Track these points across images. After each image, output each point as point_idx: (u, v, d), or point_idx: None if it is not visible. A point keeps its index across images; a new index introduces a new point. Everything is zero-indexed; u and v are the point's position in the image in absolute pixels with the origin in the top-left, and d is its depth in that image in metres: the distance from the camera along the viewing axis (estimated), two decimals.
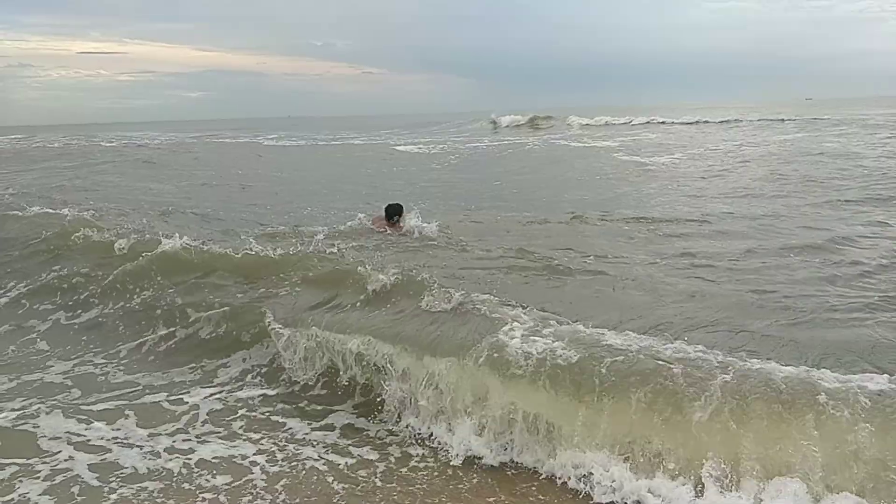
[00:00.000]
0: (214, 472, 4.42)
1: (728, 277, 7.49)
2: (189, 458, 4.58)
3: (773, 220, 10.85)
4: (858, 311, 6.17)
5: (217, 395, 5.65)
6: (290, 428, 5.08)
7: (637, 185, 17.00)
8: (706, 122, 46.92)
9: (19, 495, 4.13)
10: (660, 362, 4.33)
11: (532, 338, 4.83)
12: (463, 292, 5.92)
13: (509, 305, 5.72)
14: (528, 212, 12.32)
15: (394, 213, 9.93)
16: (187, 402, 5.50)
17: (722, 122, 46.02)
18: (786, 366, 4.28)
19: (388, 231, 9.83)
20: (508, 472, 4.39)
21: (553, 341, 4.72)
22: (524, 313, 5.45)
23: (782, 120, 44.58)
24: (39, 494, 4.16)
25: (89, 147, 38.35)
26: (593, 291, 7.19)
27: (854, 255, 8.23)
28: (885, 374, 4.14)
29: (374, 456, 4.63)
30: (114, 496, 4.14)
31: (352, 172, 23.79)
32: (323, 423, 5.19)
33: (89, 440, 4.83)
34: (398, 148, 34.95)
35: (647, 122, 48.85)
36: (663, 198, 14.35)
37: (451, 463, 4.49)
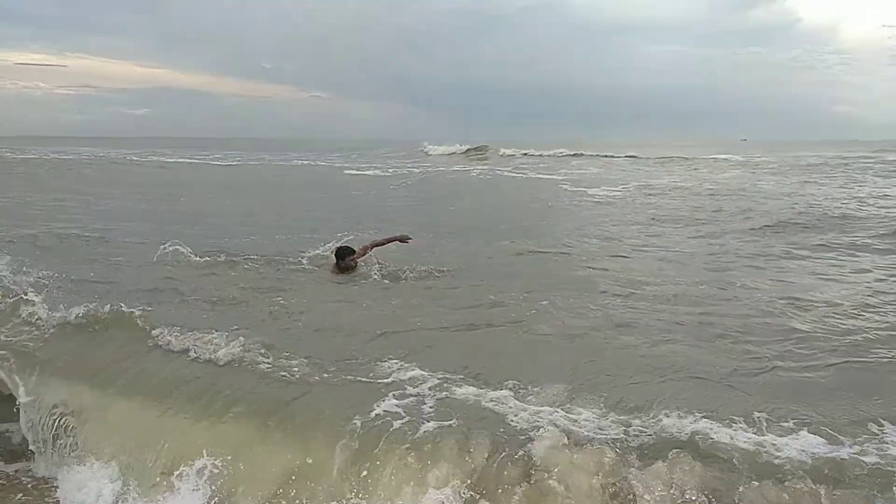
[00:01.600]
0: None
1: None
2: None
3: None
4: None
5: None
6: None
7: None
8: (643, 158, 47.79)
9: None
10: None
11: None
12: None
13: None
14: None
15: (343, 254, 8.86)
16: None
17: (660, 158, 46.85)
18: None
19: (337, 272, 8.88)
20: None
21: None
22: None
23: (714, 159, 45.59)
24: None
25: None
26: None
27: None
28: None
29: None
30: None
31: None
32: None
33: None
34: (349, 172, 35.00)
35: (582, 156, 49.66)
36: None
37: None
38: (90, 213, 16.28)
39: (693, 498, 3.71)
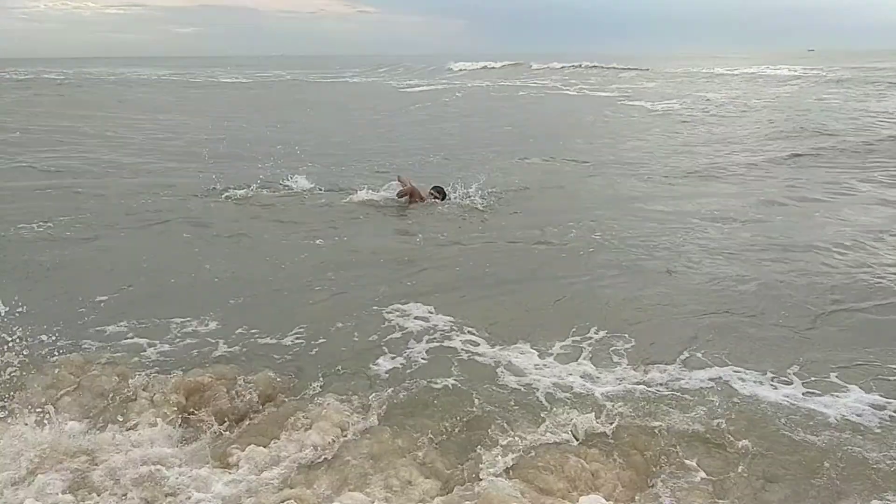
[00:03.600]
0: None
1: None
2: None
3: None
4: None
5: None
6: None
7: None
8: (695, 72, 45.76)
9: None
10: None
11: None
12: None
13: None
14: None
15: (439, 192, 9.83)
16: None
17: (718, 73, 44.70)
18: None
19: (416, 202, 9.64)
20: None
21: None
22: None
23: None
24: None
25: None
26: None
27: None
28: None
29: None
30: None
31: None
32: None
33: None
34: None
35: (630, 70, 48.06)
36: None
37: None
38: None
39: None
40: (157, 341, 4.99)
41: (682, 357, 4.82)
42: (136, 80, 47.66)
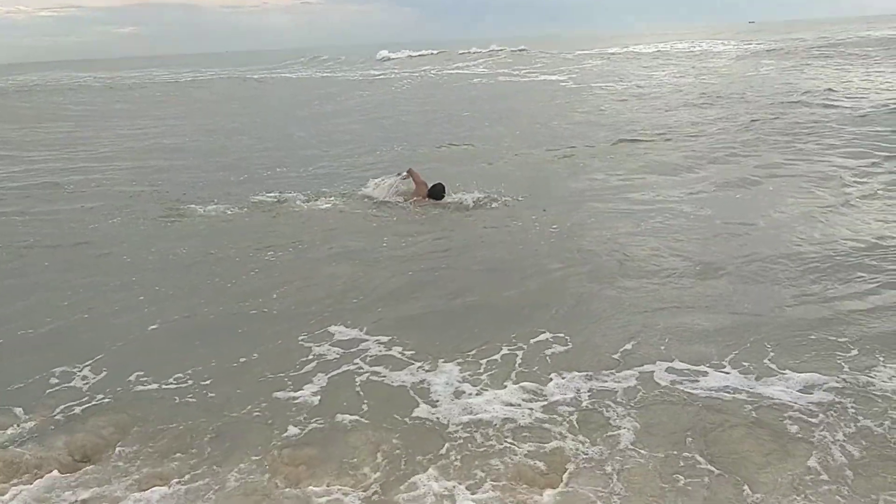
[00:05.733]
0: None
1: None
2: None
3: None
4: None
5: None
6: None
7: None
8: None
9: None
10: None
11: None
12: None
13: None
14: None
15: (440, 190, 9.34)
16: None
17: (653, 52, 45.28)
18: None
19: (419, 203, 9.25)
20: None
21: None
22: None
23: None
24: None
25: None
26: None
27: None
28: None
29: None
30: None
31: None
32: None
33: None
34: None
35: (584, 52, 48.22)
36: None
37: None
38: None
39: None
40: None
41: (618, 357, 4.69)
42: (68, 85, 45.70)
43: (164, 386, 4.51)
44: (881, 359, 4.51)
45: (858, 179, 9.41)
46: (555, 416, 4.00)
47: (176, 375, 4.62)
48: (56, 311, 5.82)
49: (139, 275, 6.70)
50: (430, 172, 10.14)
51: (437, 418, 4.01)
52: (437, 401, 4.21)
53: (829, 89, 18.84)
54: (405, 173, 9.62)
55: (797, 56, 32.59)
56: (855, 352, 4.63)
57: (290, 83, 40.15)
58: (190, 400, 4.31)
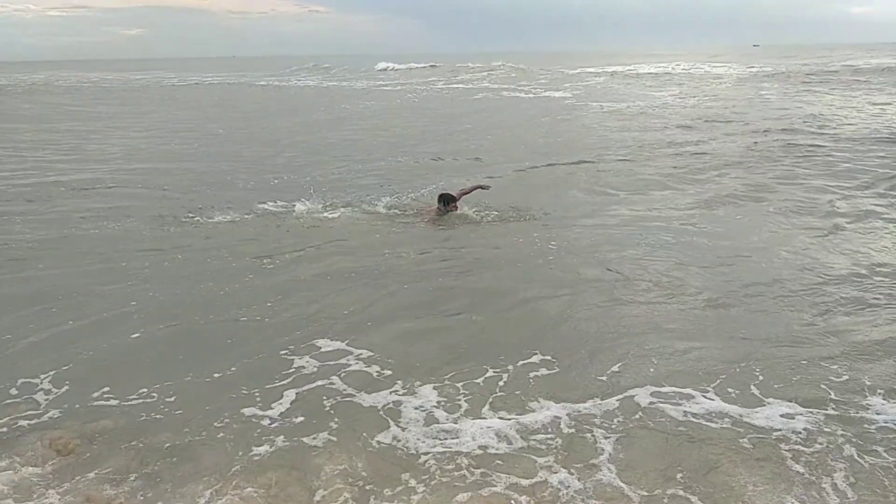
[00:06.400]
0: None
1: None
2: None
3: None
4: None
5: None
6: None
7: None
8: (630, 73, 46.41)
9: None
10: None
11: None
12: None
13: None
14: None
15: (448, 200, 9.39)
16: None
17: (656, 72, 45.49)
18: None
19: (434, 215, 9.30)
20: None
21: None
22: None
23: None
24: None
25: None
26: None
27: None
28: None
29: None
30: None
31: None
32: None
33: None
34: None
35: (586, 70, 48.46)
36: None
37: None
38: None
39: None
40: None
41: (605, 380, 4.61)
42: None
43: (129, 401, 4.36)
44: (869, 384, 4.47)
45: (848, 205, 9.41)
46: (533, 446, 3.86)
47: (142, 390, 4.48)
48: (43, 319, 5.67)
49: (134, 281, 6.59)
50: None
51: (407, 446, 3.86)
52: (408, 426, 4.07)
53: (820, 115, 18.95)
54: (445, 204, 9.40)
55: (797, 80, 32.77)
56: (845, 377, 4.59)
57: (297, 92, 40.30)
58: (155, 417, 4.17)
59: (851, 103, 22.70)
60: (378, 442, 3.92)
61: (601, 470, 3.64)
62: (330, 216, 9.20)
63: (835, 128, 16.71)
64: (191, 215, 9.19)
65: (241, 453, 3.80)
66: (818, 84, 30.54)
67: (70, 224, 8.82)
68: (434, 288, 6.47)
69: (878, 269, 6.82)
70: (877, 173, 11.34)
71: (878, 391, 4.42)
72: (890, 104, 21.88)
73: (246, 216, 9.16)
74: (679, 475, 3.58)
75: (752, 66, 45.30)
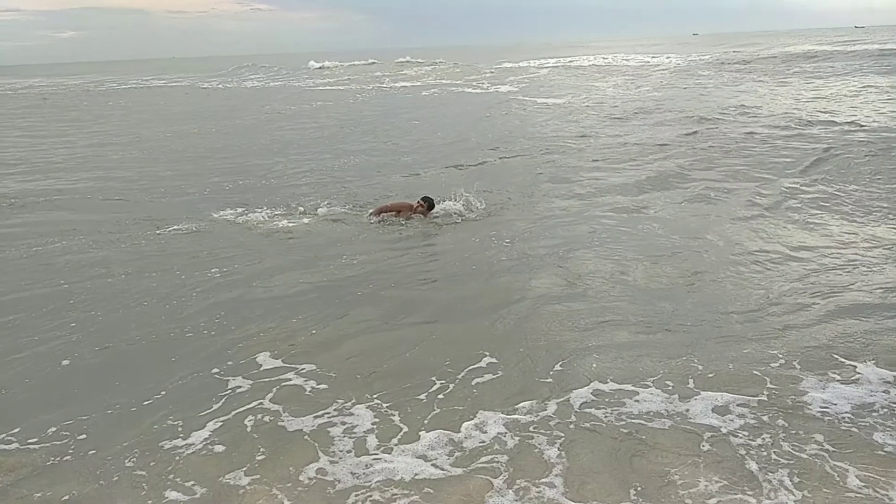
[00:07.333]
0: None
1: None
2: None
3: None
4: None
5: None
6: None
7: None
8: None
9: None
10: None
11: None
12: None
13: None
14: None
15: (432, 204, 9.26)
16: None
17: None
18: None
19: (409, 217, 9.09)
20: None
21: None
22: None
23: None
24: None
25: None
26: None
27: None
28: None
29: None
30: None
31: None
32: None
33: None
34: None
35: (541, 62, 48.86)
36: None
37: None
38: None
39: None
40: None
41: (550, 381, 4.55)
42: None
43: (34, 444, 4.02)
44: (801, 371, 4.58)
45: (776, 191, 9.71)
46: (477, 467, 3.69)
47: (51, 429, 4.15)
48: None
49: (75, 302, 6.23)
50: (396, 186, 10.32)
51: (337, 479, 3.63)
52: (339, 456, 3.84)
53: (743, 105, 19.47)
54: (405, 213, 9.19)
55: (732, 68, 33.75)
56: (781, 363, 4.70)
57: (241, 93, 39.37)
58: (62, 461, 3.83)
59: (779, 90, 23.41)
60: (306, 477, 3.68)
61: (551, 488, 3.50)
62: (287, 224, 8.89)
63: (765, 115, 17.17)
64: (142, 228, 8.77)
65: (151, 500, 3.52)
66: (748, 72, 31.43)
67: (9, 242, 8.29)
68: (390, 297, 6.28)
69: (804, 253, 7.01)
70: (803, 159, 11.67)
71: (811, 376, 4.52)
72: (817, 90, 22.66)
73: (200, 227, 8.81)
74: (632, 490, 3.47)
75: (691, 55, 46.33)
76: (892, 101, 18.78)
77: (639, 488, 3.46)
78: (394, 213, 9.09)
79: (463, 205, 9.21)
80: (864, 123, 14.74)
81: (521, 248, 7.53)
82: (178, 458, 3.88)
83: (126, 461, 3.87)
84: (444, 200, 9.29)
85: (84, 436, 4.13)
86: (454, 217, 9.00)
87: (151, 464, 3.83)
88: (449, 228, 8.63)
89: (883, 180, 10.13)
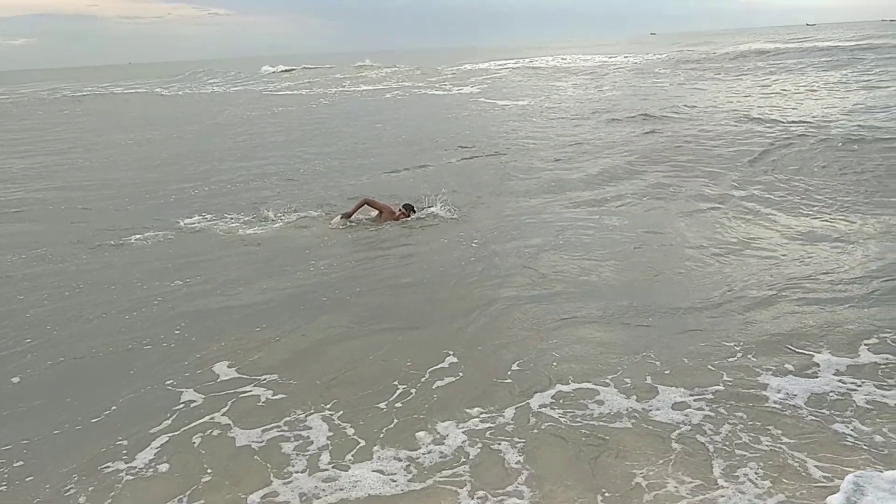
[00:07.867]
0: None
1: None
2: None
3: None
4: None
5: None
6: None
7: None
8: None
9: None
10: None
11: None
12: None
13: None
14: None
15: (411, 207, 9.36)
16: None
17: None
18: None
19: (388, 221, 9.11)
20: None
21: None
22: None
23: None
24: None
25: None
26: None
27: None
28: None
29: None
30: None
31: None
32: None
33: None
34: None
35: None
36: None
37: None
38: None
39: None
40: None
41: (510, 381, 4.56)
42: None
43: None
44: (758, 363, 4.66)
45: (727, 186, 9.96)
46: (438, 480, 3.57)
47: None
48: None
49: (31, 316, 6.06)
50: (363, 188, 10.30)
51: (285, 499, 3.49)
52: (292, 475, 3.68)
53: (695, 102, 19.89)
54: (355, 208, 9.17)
55: (687, 66, 34.57)
56: (739, 357, 4.78)
57: (200, 98, 38.79)
58: None
59: (733, 86, 24.02)
60: (256, 499, 3.52)
61: (519, 498, 3.42)
62: (254, 231, 8.76)
63: (717, 111, 17.54)
64: (105, 238, 8.54)
65: None
66: (702, 70, 32.23)
67: None
68: (357, 303, 6.19)
69: (758, 245, 7.20)
70: (756, 153, 11.96)
71: (767, 367, 4.62)
72: (768, 86, 23.36)
73: (165, 235, 8.62)
74: (598, 496, 3.42)
75: (648, 54, 47.29)
76: (839, 95, 19.44)
77: (605, 494, 3.42)
78: (377, 211, 9.11)
79: (441, 207, 9.22)
80: (811, 118, 15.15)
81: (490, 250, 7.56)
82: (119, 483, 3.69)
83: (64, 488, 3.67)
84: (425, 208, 9.26)
85: (21, 462, 3.92)
86: (425, 218, 9.01)
87: (90, 489, 3.64)
88: (417, 230, 8.59)
89: (832, 172, 10.45)
